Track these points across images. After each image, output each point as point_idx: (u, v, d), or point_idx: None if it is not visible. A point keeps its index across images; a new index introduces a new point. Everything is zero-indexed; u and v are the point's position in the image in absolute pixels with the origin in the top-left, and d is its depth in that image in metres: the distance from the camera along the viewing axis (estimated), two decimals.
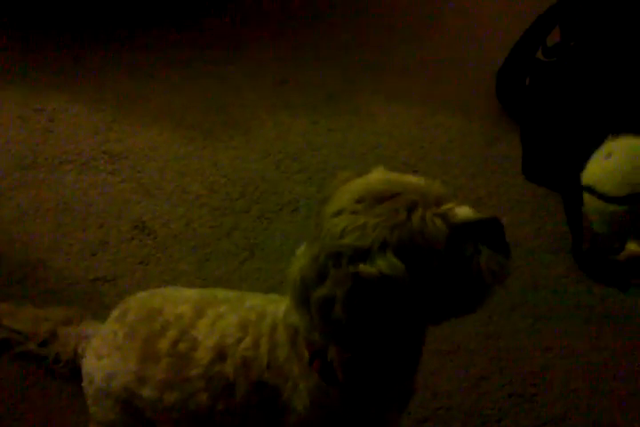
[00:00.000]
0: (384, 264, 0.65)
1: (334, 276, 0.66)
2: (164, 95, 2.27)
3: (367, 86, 2.39)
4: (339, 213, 0.69)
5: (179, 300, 1.00)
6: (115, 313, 1.06)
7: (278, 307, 0.88)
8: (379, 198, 0.68)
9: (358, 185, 0.72)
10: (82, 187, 1.83)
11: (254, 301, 0.95)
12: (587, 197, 0.89)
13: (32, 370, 1.30)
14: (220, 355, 0.89)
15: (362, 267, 0.65)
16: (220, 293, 1.02)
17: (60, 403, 1.26)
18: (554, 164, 1.87)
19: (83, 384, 1.07)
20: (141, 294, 1.07)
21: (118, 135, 2.05)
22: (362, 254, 0.66)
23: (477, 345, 1.41)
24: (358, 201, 0.68)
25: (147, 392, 0.95)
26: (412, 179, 0.71)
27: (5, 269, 1.54)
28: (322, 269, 0.68)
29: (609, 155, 0.79)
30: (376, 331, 0.67)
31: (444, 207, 0.68)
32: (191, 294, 1.03)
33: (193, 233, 1.69)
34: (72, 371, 1.23)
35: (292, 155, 2.01)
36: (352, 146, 2.07)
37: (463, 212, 0.69)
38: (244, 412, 0.90)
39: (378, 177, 0.73)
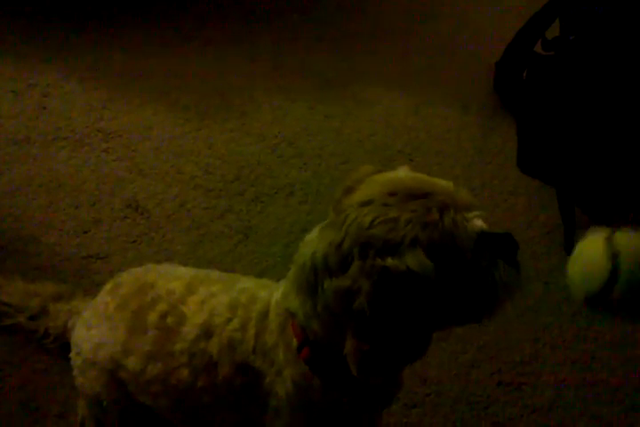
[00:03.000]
0: (414, 261, 0.65)
1: (360, 267, 0.66)
2: (159, 75, 2.25)
3: (365, 73, 2.38)
4: (368, 203, 0.69)
5: (172, 276, 1.00)
6: (108, 286, 1.06)
7: (271, 293, 0.88)
8: (411, 195, 0.68)
9: (389, 179, 0.73)
10: (75, 164, 1.81)
11: (247, 284, 0.95)
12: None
13: (21, 345, 1.29)
14: (207, 332, 0.90)
15: (391, 261, 0.64)
16: (214, 273, 1.02)
17: (49, 378, 1.26)
18: (549, 157, 1.88)
19: (71, 355, 1.07)
20: (136, 269, 1.07)
21: (113, 114, 2.03)
22: (391, 248, 0.65)
23: (468, 334, 1.42)
24: (391, 194, 0.68)
25: (131, 363, 0.95)
26: (442, 181, 0.72)
27: None
28: (345, 257, 0.68)
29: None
30: (397, 326, 0.67)
31: (472, 214, 0.69)
32: (185, 271, 1.03)
33: (187, 214, 1.68)
34: (61, 346, 1.23)
35: (289, 139, 2.00)
36: (348, 133, 2.07)
37: (480, 223, 0.70)
38: (225, 391, 0.90)
39: (408, 174, 0.73)
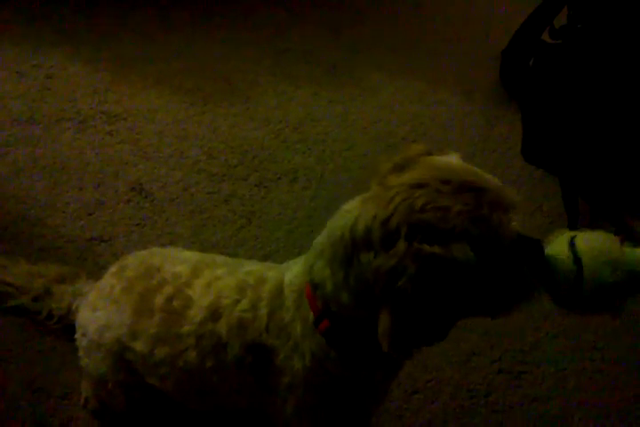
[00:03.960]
0: (459, 252, 0.67)
1: (407, 248, 0.67)
2: (164, 59, 2.24)
3: (370, 60, 2.37)
4: (421, 186, 0.70)
5: (177, 260, 1.01)
6: (113, 269, 1.06)
7: (281, 272, 0.89)
8: (465, 186, 0.69)
9: (444, 165, 0.74)
10: (79, 146, 1.80)
11: (252, 267, 0.96)
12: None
13: (25, 326, 1.30)
14: (214, 314, 0.90)
15: (438, 249, 0.66)
16: (219, 257, 1.03)
17: (52, 360, 1.26)
18: (553, 146, 1.88)
19: (76, 336, 1.07)
20: (141, 252, 1.08)
21: (117, 96, 2.02)
22: (440, 235, 0.67)
23: (469, 321, 1.42)
24: (444, 182, 0.69)
25: (138, 346, 0.96)
26: (492, 178, 0.73)
27: (0, 224, 1.52)
28: (390, 234, 0.69)
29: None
30: (434, 309, 0.69)
31: (514, 215, 0.72)
32: (190, 255, 1.04)
33: (190, 198, 1.68)
34: (65, 328, 1.24)
35: (293, 125, 1.99)
36: (353, 119, 2.06)
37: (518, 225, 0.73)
38: (233, 372, 0.91)
39: (460, 164, 0.75)
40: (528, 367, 1.35)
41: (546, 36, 2.08)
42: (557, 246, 0.78)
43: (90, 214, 1.59)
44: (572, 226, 1.66)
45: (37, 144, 1.79)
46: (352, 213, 0.74)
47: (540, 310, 1.45)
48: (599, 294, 0.76)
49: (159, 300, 0.95)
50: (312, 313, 0.82)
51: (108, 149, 1.80)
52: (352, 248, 0.72)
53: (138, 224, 1.58)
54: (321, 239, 0.79)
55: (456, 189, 0.69)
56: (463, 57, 2.44)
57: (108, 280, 1.04)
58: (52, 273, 1.30)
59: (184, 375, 0.94)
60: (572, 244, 0.78)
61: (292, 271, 0.87)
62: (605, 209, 1.76)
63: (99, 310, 1.01)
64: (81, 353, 1.06)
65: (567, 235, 0.80)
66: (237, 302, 0.90)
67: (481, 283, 0.69)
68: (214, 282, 0.94)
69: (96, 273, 1.22)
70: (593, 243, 0.78)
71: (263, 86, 2.16)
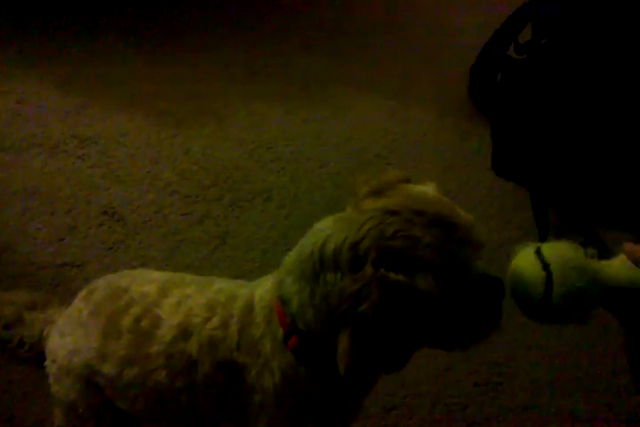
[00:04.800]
0: (424, 283, 0.68)
1: (373, 274, 0.68)
2: (135, 81, 2.24)
3: (341, 78, 2.40)
4: (394, 213, 0.71)
5: (146, 280, 1.00)
6: (82, 293, 1.05)
7: (252, 289, 0.89)
8: (437, 220, 0.71)
9: (419, 195, 0.75)
10: (50, 171, 1.80)
11: (222, 284, 0.95)
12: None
13: None
14: (185, 333, 0.90)
15: (403, 278, 0.67)
16: (188, 276, 1.02)
17: (24, 388, 1.25)
18: (522, 159, 1.91)
19: (46, 363, 1.06)
20: (110, 275, 1.07)
21: (88, 120, 2.02)
22: (406, 264, 0.68)
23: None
24: (418, 213, 0.71)
25: (107, 369, 0.95)
26: (465, 214, 0.75)
27: None
28: (358, 258, 0.70)
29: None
30: (393, 336, 0.70)
31: (479, 253, 0.73)
32: (159, 275, 1.03)
33: (163, 220, 1.68)
34: (37, 356, 1.21)
35: (266, 144, 2.00)
36: (326, 137, 2.07)
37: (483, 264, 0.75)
38: (205, 390, 0.90)
39: (436, 196, 0.76)
40: (504, 379, 1.36)
41: (512, 52, 2.12)
42: (524, 256, 0.79)
43: (61, 240, 1.58)
44: (543, 238, 1.68)
45: (8, 170, 1.78)
46: (324, 231, 0.75)
47: (514, 323, 1.46)
48: (568, 301, 0.78)
49: (127, 321, 0.94)
50: (281, 329, 0.82)
51: (79, 174, 1.80)
52: (320, 266, 0.73)
53: (110, 248, 1.58)
54: (292, 256, 0.80)
55: (428, 222, 0.71)
56: (433, 74, 2.47)
57: (77, 305, 1.03)
58: (23, 300, 1.28)
59: (154, 396, 0.93)
60: (538, 252, 0.79)
61: (263, 287, 0.87)
62: (575, 220, 1.78)
63: (67, 336, 1.00)
64: (51, 380, 1.05)
65: (532, 246, 0.81)
66: (208, 319, 0.89)
67: (441, 315, 0.71)
68: (184, 301, 0.93)
69: (68, 299, 1.20)
70: (559, 251, 0.79)
71: (235, 106, 2.17)
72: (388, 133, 2.12)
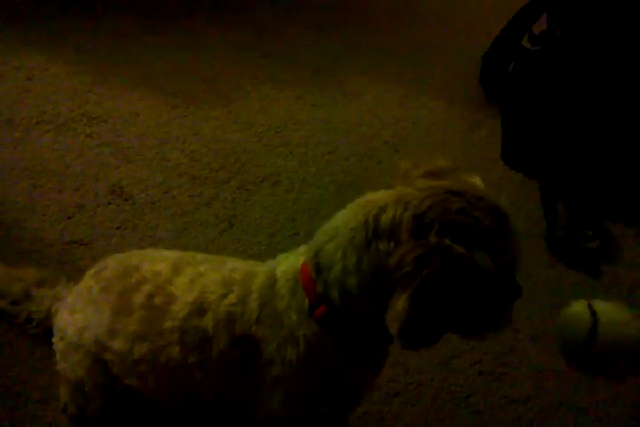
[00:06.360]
0: (483, 260, 0.72)
1: (438, 243, 0.71)
2: (146, 61, 2.23)
3: (352, 64, 2.38)
4: (458, 194, 0.76)
5: (157, 259, 1.00)
6: (91, 270, 1.06)
7: (270, 266, 0.90)
8: (494, 209, 0.76)
9: (475, 184, 0.81)
10: (59, 148, 1.79)
11: (236, 264, 0.96)
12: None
13: (3, 331, 1.28)
14: (200, 309, 0.90)
15: (466, 252, 0.71)
16: (200, 255, 1.02)
17: (31, 364, 1.25)
18: (533, 151, 1.90)
19: (53, 340, 1.06)
20: (119, 254, 1.07)
21: (98, 98, 2.01)
22: (468, 240, 0.72)
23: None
24: (478, 198, 0.76)
25: (117, 344, 0.95)
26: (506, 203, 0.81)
27: None
28: (422, 227, 0.73)
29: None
30: (448, 305, 0.73)
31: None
32: (169, 254, 1.03)
33: (172, 201, 1.68)
34: (44, 332, 1.22)
35: (275, 128, 1.99)
36: (335, 122, 2.06)
37: None
38: (218, 366, 0.90)
39: (487, 189, 0.81)
40: (508, 369, 1.36)
41: (526, 42, 2.11)
42: (576, 305, 0.93)
43: (69, 217, 1.58)
44: (551, 230, 1.68)
45: (17, 146, 1.77)
46: (377, 202, 0.77)
47: (519, 313, 1.47)
48: (609, 351, 0.89)
49: (139, 298, 0.94)
50: (307, 300, 0.82)
51: (88, 152, 1.79)
52: (373, 235, 0.75)
53: (118, 227, 1.57)
54: (333, 224, 0.81)
55: (487, 208, 0.75)
56: (445, 62, 2.46)
57: (87, 282, 1.03)
58: (31, 277, 1.29)
59: (165, 372, 0.93)
60: (589, 305, 0.92)
61: (287, 261, 0.88)
62: (583, 212, 1.78)
63: (77, 313, 1.01)
64: (58, 357, 1.05)
65: (585, 300, 0.94)
66: (224, 296, 0.89)
67: (486, 295, 0.74)
68: (197, 278, 0.93)
69: (76, 277, 1.20)
70: (609, 307, 0.92)
71: (246, 89, 2.16)
72: (397, 121, 2.11)
